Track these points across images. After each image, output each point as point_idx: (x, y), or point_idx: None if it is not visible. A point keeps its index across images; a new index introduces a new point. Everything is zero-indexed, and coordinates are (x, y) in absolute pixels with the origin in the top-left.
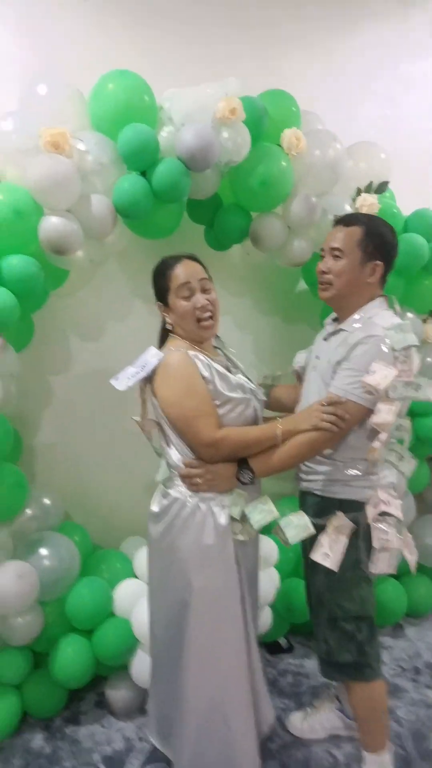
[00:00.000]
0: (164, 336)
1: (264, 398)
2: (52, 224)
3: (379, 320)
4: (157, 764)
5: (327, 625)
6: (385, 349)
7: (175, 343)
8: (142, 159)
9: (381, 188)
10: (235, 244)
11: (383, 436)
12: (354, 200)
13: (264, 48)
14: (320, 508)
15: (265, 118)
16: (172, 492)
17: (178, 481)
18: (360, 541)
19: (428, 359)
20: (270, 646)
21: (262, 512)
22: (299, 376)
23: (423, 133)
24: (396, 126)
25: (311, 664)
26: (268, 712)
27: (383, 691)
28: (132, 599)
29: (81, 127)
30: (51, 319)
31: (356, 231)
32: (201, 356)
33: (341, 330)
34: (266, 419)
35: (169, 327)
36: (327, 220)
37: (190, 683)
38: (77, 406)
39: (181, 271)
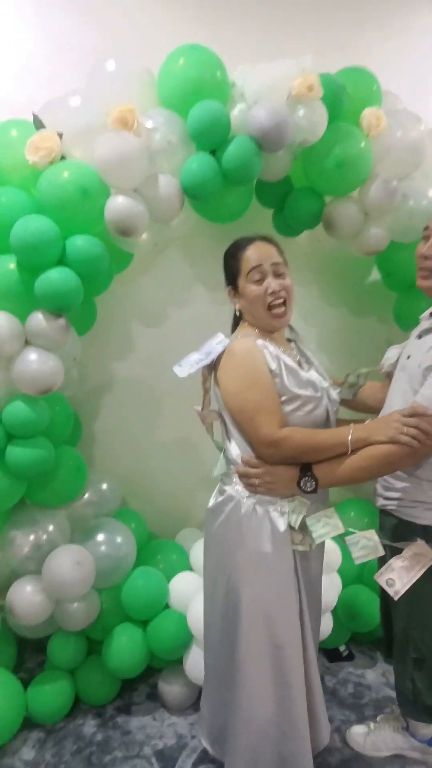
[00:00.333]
0: (237, 323)
1: (339, 399)
2: (118, 204)
3: None
4: (209, 765)
5: (414, 664)
6: None
7: (244, 331)
8: (212, 137)
9: None
10: (306, 229)
11: None
12: None
13: (338, 26)
14: (398, 533)
15: (344, 96)
16: (228, 489)
17: (236, 479)
18: None
19: None
20: (329, 653)
21: (326, 526)
22: (389, 375)
23: None
24: None
25: (374, 675)
26: (324, 730)
27: None
28: (188, 593)
29: (149, 104)
30: (113, 303)
31: None
32: (270, 347)
33: None
34: (343, 422)
35: (237, 314)
36: (407, 207)
37: (244, 694)
38: (138, 392)
39: (253, 253)
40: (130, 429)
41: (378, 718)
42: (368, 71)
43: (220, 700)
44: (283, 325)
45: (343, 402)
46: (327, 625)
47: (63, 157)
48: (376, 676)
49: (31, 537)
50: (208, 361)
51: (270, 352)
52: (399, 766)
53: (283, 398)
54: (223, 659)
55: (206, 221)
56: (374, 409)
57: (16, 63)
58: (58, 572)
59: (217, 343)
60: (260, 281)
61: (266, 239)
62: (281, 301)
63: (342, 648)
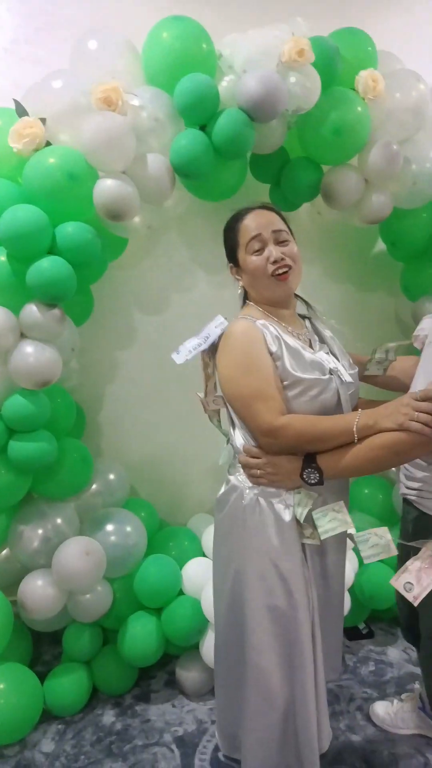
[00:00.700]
0: (244, 305)
1: (354, 380)
2: (107, 187)
3: None
4: None
5: None
6: None
7: (247, 311)
8: (200, 112)
9: None
10: (305, 202)
11: None
12: None
13: None
14: (419, 525)
15: (338, 60)
16: (232, 479)
17: (240, 468)
18: None
19: None
20: (349, 632)
21: (333, 521)
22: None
23: None
24: None
25: (395, 652)
26: (324, 738)
27: None
28: (201, 578)
29: (135, 82)
30: (112, 291)
31: None
32: (272, 327)
33: None
34: (369, 404)
35: (241, 292)
36: (410, 171)
37: (253, 692)
38: (143, 379)
39: (251, 222)
40: (136, 417)
41: (402, 696)
42: (362, 32)
43: (231, 696)
44: (289, 292)
45: (373, 380)
46: (345, 603)
47: (48, 143)
48: (398, 652)
49: (40, 531)
50: (206, 345)
51: (270, 333)
52: (425, 744)
53: (285, 383)
54: (232, 654)
55: (201, 201)
56: (408, 387)
57: None
58: (68, 564)
59: (216, 326)
60: (260, 251)
61: (266, 206)
62: (285, 270)
63: (361, 626)
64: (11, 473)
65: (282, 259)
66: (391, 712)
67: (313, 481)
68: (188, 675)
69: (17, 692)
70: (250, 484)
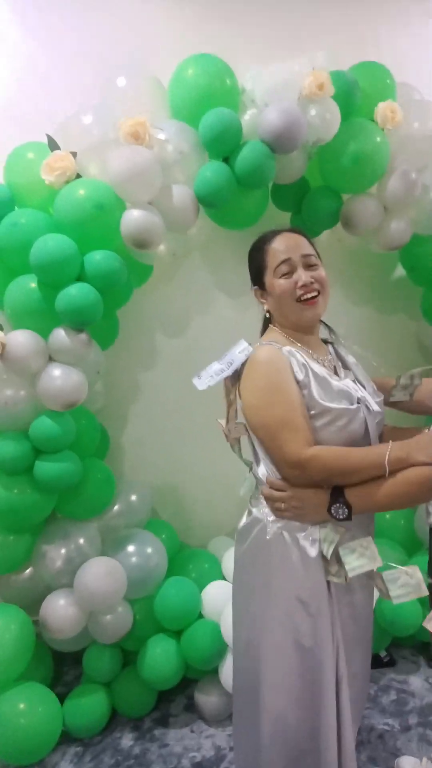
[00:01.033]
0: (266, 327)
1: (381, 409)
2: (134, 218)
3: None
4: None
5: None
6: None
7: (271, 336)
8: (224, 144)
9: None
10: (325, 229)
11: None
12: None
13: (351, 20)
14: None
15: (357, 92)
16: (255, 511)
17: (263, 499)
18: None
19: None
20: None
21: (360, 558)
22: None
23: None
24: None
25: (417, 682)
26: None
27: None
28: (221, 602)
29: (161, 116)
30: (136, 315)
31: None
32: (298, 354)
33: None
34: (396, 432)
35: (266, 315)
36: (428, 198)
37: (267, 736)
38: (165, 402)
39: (280, 245)
40: (158, 439)
41: (430, 755)
42: (381, 65)
43: (248, 733)
44: (316, 318)
45: (400, 405)
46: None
47: (78, 175)
48: (420, 681)
49: (63, 550)
50: (230, 372)
51: (297, 361)
52: None
53: (312, 412)
54: (248, 694)
55: (224, 228)
56: None
57: (31, 83)
58: (90, 584)
59: (240, 351)
60: (289, 274)
61: (294, 230)
62: (314, 295)
63: (383, 654)
64: (37, 493)
65: (312, 283)
66: None
67: (341, 517)
68: (207, 699)
69: (37, 713)
70: (273, 517)
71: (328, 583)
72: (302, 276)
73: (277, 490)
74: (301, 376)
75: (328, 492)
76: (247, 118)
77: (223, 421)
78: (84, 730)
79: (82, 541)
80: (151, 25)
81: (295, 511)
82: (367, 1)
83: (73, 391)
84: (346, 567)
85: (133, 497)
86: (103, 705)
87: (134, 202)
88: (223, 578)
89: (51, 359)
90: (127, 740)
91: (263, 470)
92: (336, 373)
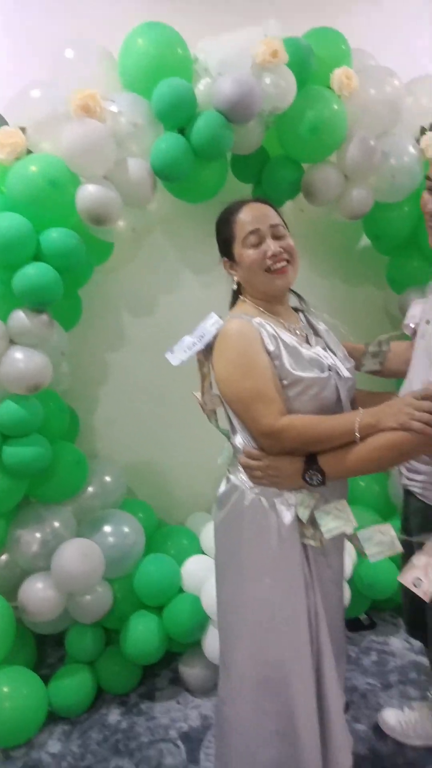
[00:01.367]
0: (236, 299)
1: (352, 375)
2: (89, 193)
3: None
4: None
5: None
6: None
7: (241, 307)
8: (178, 115)
9: None
10: (287, 200)
11: None
12: (418, 140)
13: None
14: (424, 517)
15: (312, 59)
16: (233, 478)
17: (241, 467)
18: None
19: None
20: (350, 623)
21: (336, 519)
22: (416, 333)
23: None
24: None
25: (397, 642)
26: (344, 756)
27: None
28: (200, 575)
29: (113, 88)
30: (100, 295)
31: None
32: (268, 325)
33: None
34: (369, 395)
35: (236, 287)
36: (388, 165)
37: (231, 712)
38: (135, 380)
39: (248, 216)
40: (130, 419)
41: (414, 704)
42: (335, 31)
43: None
44: (286, 287)
45: (373, 373)
46: (345, 595)
47: (29, 152)
48: (400, 642)
49: (38, 534)
50: (202, 345)
51: (267, 332)
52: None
53: (285, 382)
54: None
55: (185, 203)
56: (405, 374)
57: None
58: (67, 566)
59: (211, 324)
60: (258, 245)
61: (261, 200)
62: (283, 264)
63: (363, 617)
64: (6, 478)
65: (281, 252)
66: (402, 722)
67: (315, 483)
68: (192, 672)
69: (21, 695)
70: (251, 485)
71: (305, 547)
72: (271, 246)
73: (254, 459)
74: (271, 347)
75: (302, 459)
76: (201, 88)
77: (198, 394)
78: (70, 709)
79: (56, 524)
80: None
81: (271, 479)
82: None
83: (37, 373)
84: (322, 529)
85: (107, 478)
86: (87, 684)
87: (89, 177)
88: (202, 553)
89: (12, 342)
90: (114, 716)
91: (240, 440)
92: (307, 341)
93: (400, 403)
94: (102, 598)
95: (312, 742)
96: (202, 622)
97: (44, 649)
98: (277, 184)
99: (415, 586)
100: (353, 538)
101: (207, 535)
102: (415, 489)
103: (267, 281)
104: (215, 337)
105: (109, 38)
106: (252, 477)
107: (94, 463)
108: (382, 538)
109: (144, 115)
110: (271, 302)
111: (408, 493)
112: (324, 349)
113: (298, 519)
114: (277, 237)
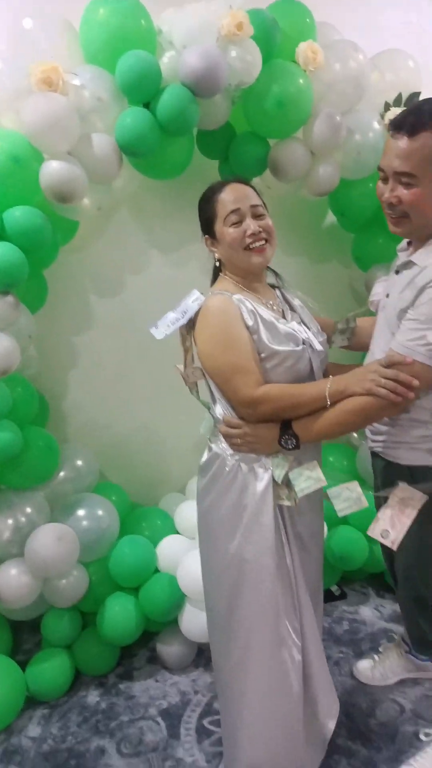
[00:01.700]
0: (217, 276)
1: (324, 348)
2: (53, 169)
3: None
4: (214, 717)
5: (416, 607)
6: None
7: (221, 284)
8: (143, 89)
9: (412, 100)
10: (254, 176)
11: None
12: (383, 116)
13: None
14: (387, 474)
15: (277, 33)
16: (214, 447)
17: (221, 436)
18: None
19: None
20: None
21: (308, 479)
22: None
23: None
24: (423, 32)
25: (367, 611)
26: (331, 707)
27: None
28: (176, 555)
29: (75, 61)
30: (66, 276)
31: (428, 143)
32: (247, 302)
33: (412, 263)
34: (340, 367)
35: (217, 264)
36: (354, 141)
37: (230, 669)
38: (105, 363)
39: (229, 195)
40: (101, 402)
41: (381, 649)
42: (300, 3)
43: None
44: (264, 264)
45: (344, 348)
46: None
47: None
48: (370, 611)
49: (10, 521)
50: (184, 320)
51: (246, 308)
52: (399, 693)
53: (262, 355)
54: (218, 623)
55: (152, 180)
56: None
57: None
58: (41, 551)
59: (193, 300)
60: (238, 224)
61: (241, 181)
62: (261, 243)
63: (334, 588)
64: None
65: (260, 232)
66: (377, 668)
67: (290, 447)
68: (169, 650)
69: None
70: (231, 452)
71: (281, 508)
72: (251, 225)
73: (233, 427)
74: (250, 322)
75: (278, 426)
76: (165, 60)
77: (181, 367)
78: (48, 693)
79: (29, 509)
80: None
81: (250, 446)
82: None
83: (4, 357)
84: (296, 488)
85: (79, 462)
86: (65, 667)
87: (52, 153)
88: (177, 533)
89: None
90: (93, 697)
91: (220, 410)
92: (284, 316)
93: (366, 370)
94: (78, 581)
95: (304, 693)
96: (178, 600)
97: (20, 635)
98: (244, 160)
99: (383, 537)
100: (324, 496)
101: (181, 515)
102: (378, 449)
103: (246, 259)
104: (197, 313)
105: (69, 8)
106: (232, 445)
107: (66, 447)
108: (350, 495)
109: (108, 89)
110: (250, 279)
111: (374, 455)
112: (299, 323)
113: (273, 481)
114: (256, 216)
